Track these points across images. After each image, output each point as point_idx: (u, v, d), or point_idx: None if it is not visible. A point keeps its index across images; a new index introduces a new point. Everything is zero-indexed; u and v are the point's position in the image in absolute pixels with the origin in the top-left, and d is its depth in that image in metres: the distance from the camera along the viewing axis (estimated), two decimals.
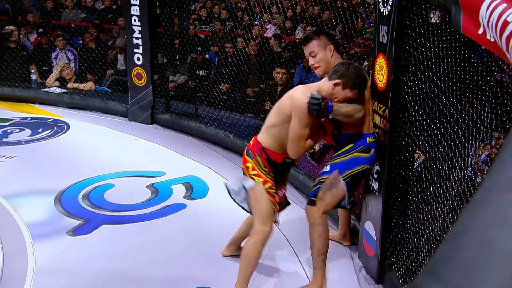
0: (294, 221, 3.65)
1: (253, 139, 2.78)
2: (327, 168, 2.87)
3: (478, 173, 2.83)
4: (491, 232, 0.40)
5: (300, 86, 2.72)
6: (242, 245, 3.17)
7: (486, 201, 0.44)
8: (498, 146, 3.03)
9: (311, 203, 2.87)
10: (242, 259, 2.77)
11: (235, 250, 3.26)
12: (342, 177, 2.79)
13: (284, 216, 3.50)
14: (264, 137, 2.72)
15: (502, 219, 0.41)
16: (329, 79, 2.68)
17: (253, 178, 2.70)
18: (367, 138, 2.82)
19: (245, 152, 2.77)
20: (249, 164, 2.72)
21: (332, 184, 2.81)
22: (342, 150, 2.84)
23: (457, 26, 1.98)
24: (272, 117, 2.71)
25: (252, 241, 2.72)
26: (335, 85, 2.64)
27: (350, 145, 2.81)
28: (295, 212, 3.65)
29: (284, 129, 2.63)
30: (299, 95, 2.58)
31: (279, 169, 2.77)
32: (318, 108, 2.50)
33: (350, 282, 3.08)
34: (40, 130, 5.80)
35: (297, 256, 3.33)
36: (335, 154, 2.88)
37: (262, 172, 2.70)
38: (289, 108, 2.60)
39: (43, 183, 4.36)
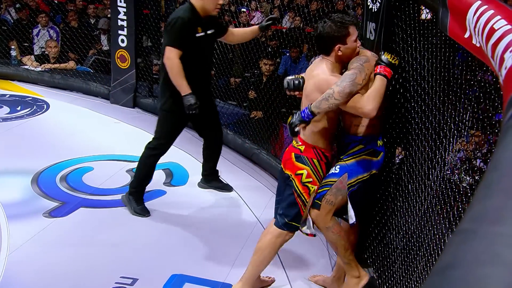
0: None
1: (300, 144, 2.58)
2: (337, 170, 2.60)
3: (456, 171, 2.88)
4: (482, 269, 0.40)
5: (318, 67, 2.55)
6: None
7: (475, 233, 0.44)
8: (473, 143, 3.07)
9: (316, 206, 2.61)
10: (256, 256, 2.68)
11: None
12: (349, 183, 2.58)
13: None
14: (316, 139, 2.57)
15: (492, 255, 0.41)
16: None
17: (306, 186, 2.58)
18: (378, 141, 2.62)
19: (294, 159, 2.58)
20: (303, 171, 2.56)
21: (343, 188, 2.58)
22: (351, 151, 2.60)
23: (444, 28, 1.99)
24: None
25: (274, 241, 2.65)
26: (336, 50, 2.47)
27: (360, 146, 2.59)
28: None
29: (326, 118, 2.53)
30: (321, 76, 2.48)
31: None
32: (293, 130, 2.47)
33: (324, 268, 3.11)
34: (18, 108, 5.69)
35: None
36: (344, 156, 2.63)
37: (317, 179, 2.59)
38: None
39: (21, 162, 4.29)
